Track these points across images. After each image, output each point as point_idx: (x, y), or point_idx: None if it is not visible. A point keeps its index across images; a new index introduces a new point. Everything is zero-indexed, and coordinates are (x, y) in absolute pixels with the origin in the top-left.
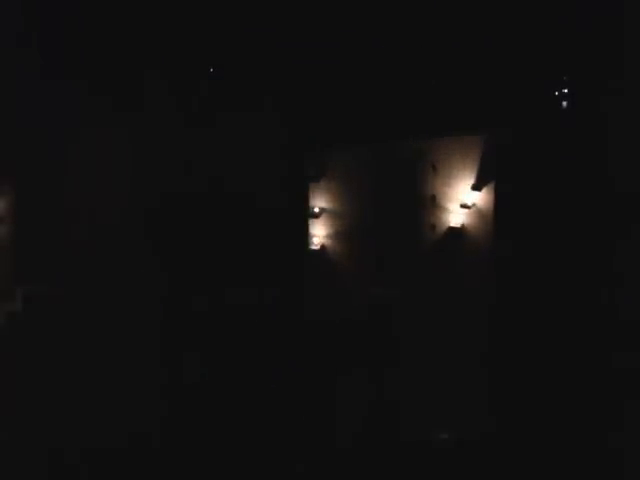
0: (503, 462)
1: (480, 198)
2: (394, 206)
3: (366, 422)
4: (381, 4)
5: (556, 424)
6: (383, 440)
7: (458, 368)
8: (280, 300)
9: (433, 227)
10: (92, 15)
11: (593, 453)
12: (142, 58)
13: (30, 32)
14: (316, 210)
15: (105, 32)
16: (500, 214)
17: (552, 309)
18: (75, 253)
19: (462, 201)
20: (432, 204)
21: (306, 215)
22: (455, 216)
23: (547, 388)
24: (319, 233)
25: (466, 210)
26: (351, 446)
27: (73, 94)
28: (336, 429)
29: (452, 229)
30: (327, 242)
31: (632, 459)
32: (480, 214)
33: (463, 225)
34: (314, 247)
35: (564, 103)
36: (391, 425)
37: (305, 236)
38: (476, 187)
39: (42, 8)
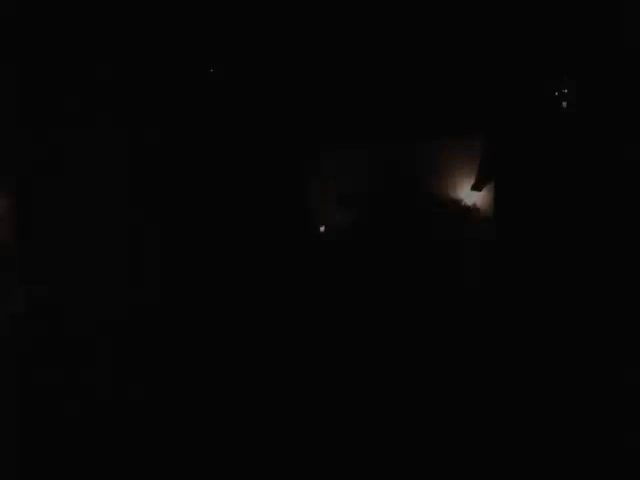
0: None
1: (480, 198)
2: (394, 207)
3: None
4: (378, 6)
5: None
6: None
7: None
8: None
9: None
10: None
11: None
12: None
13: None
14: None
15: None
16: (500, 214)
17: (553, 313)
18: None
19: (462, 201)
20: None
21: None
22: None
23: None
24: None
25: None
26: None
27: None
28: None
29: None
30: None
31: None
32: (480, 215)
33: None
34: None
35: (564, 103)
36: None
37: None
38: (476, 187)
39: None
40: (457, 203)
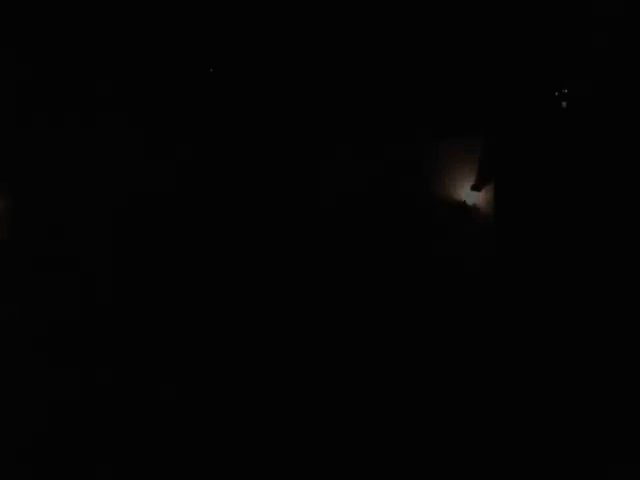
0: None
1: (480, 198)
2: (393, 207)
3: None
4: (381, 7)
5: None
6: None
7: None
8: None
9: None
10: None
11: None
12: None
13: None
14: None
15: None
16: (500, 214)
17: (553, 312)
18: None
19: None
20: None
21: None
22: None
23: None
24: None
25: None
26: None
27: None
28: None
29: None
30: None
31: None
32: (480, 215)
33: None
34: None
35: (564, 103)
36: None
37: None
38: (476, 187)
39: None
40: (457, 203)
